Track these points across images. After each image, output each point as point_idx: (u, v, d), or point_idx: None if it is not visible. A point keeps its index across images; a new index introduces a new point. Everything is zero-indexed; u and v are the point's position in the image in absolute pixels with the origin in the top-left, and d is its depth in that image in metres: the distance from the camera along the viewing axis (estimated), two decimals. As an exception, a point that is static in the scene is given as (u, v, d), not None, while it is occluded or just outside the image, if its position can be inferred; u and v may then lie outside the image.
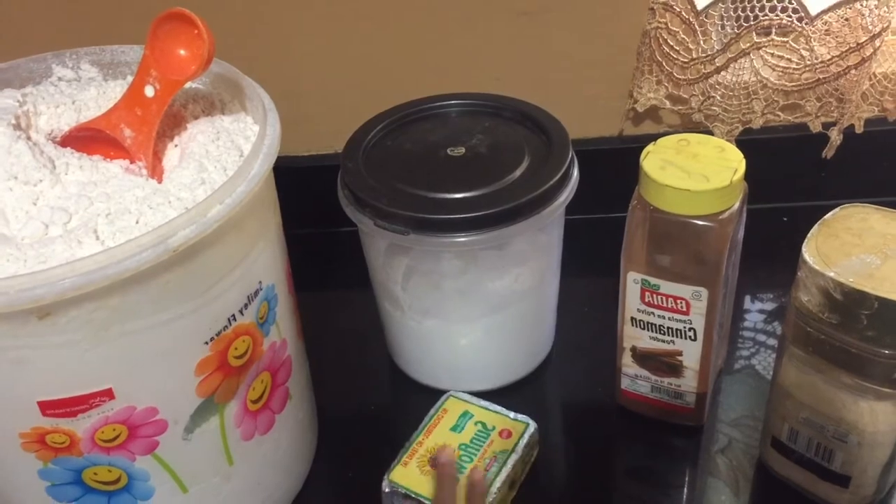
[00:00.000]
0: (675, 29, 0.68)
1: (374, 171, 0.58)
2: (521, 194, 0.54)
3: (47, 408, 0.41)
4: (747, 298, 0.71)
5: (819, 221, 0.48)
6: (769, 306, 0.70)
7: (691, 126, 0.74)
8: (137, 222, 0.41)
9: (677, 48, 0.69)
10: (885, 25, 0.65)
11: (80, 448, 0.43)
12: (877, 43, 0.66)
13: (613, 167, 0.64)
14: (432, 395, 0.60)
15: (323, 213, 0.64)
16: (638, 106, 0.73)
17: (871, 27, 0.65)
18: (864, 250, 0.46)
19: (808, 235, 0.47)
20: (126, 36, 0.55)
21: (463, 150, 0.59)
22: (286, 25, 0.71)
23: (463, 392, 0.60)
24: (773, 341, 0.66)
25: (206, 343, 0.44)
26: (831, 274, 0.45)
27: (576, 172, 0.58)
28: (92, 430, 0.42)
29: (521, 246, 0.58)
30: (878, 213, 0.48)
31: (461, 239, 0.53)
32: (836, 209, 0.49)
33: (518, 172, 0.56)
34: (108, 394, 0.41)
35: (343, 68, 0.73)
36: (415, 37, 0.72)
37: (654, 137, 0.54)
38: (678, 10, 0.67)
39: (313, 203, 0.69)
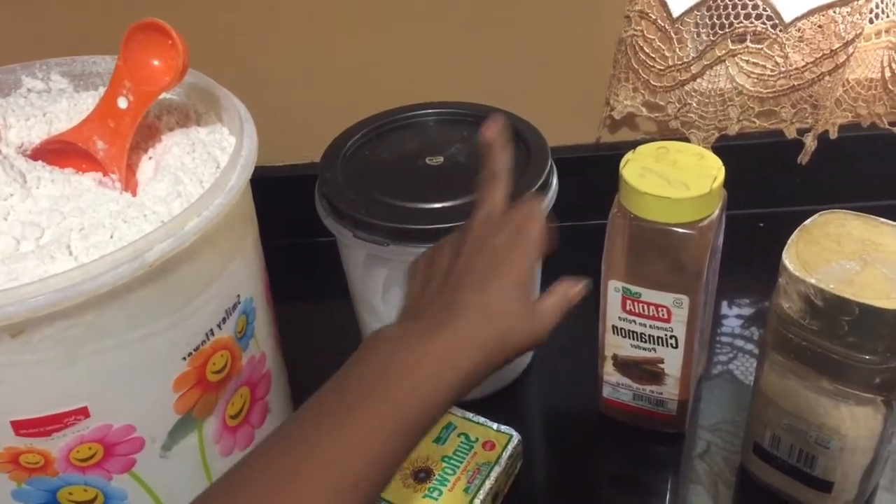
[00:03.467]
0: (650, 36, 0.68)
1: (352, 181, 0.57)
2: (501, 203, 0.54)
3: (20, 427, 0.40)
4: (724, 304, 0.71)
5: (799, 228, 0.49)
6: (747, 312, 0.71)
7: (668, 133, 0.74)
8: (112, 237, 0.41)
9: (653, 56, 0.69)
10: (857, 32, 0.66)
11: (54, 468, 0.42)
12: (850, 49, 0.67)
13: (591, 174, 0.64)
14: (413, 407, 0.60)
15: (302, 224, 0.63)
16: (615, 113, 0.73)
17: (844, 34, 0.66)
18: (844, 256, 0.46)
19: (789, 242, 0.48)
20: (97, 46, 0.54)
21: (441, 159, 0.59)
22: (264, 35, 0.70)
23: (444, 403, 0.59)
24: (751, 346, 0.67)
25: (184, 358, 0.43)
26: (812, 280, 0.45)
27: (555, 181, 0.58)
28: (67, 449, 0.41)
29: (500, 255, 0.58)
30: (857, 219, 0.49)
31: (441, 249, 0.53)
32: (815, 216, 0.49)
33: (497, 181, 0.56)
34: (84, 412, 0.41)
35: (321, 78, 0.73)
36: (393, 46, 0.71)
37: (631, 145, 0.54)
38: (654, 17, 0.67)
39: (292, 213, 0.68)
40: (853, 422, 0.47)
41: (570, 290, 0.44)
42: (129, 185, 0.46)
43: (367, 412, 0.36)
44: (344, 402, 0.36)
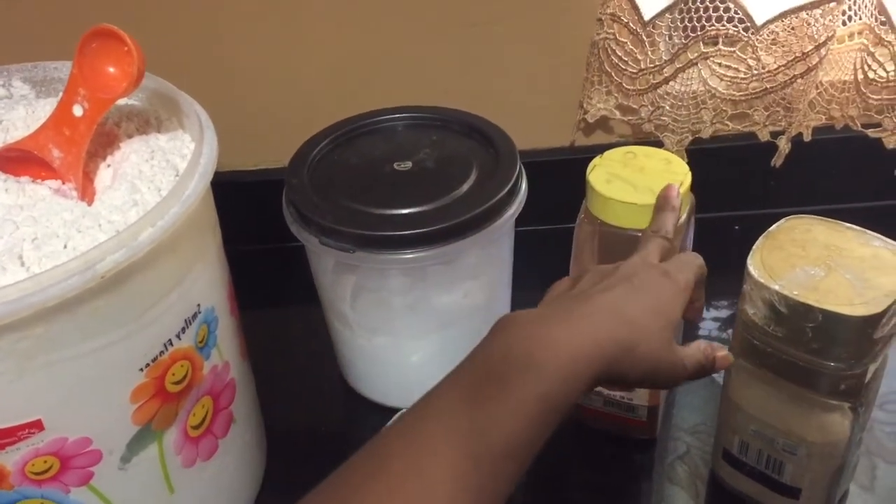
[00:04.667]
0: (623, 40, 0.68)
1: (319, 187, 0.56)
2: (469, 209, 0.53)
3: (-28, 441, 0.39)
4: (701, 307, 0.71)
5: (764, 234, 0.48)
6: (723, 314, 0.70)
7: (642, 136, 0.74)
8: (65, 247, 0.40)
9: (625, 59, 0.69)
10: (830, 34, 0.66)
11: (9, 481, 0.41)
12: (822, 52, 0.66)
13: (565, 178, 0.63)
14: (385, 413, 0.59)
15: (271, 229, 0.63)
16: (588, 116, 0.73)
17: (816, 36, 0.66)
18: (809, 262, 0.46)
19: (753, 248, 0.47)
20: (60, 51, 0.53)
21: (410, 164, 0.58)
22: (231, 39, 0.70)
23: (414, 410, 0.59)
24: (727, 349, 0.66)
25: (141, 370, 0.42)
26: (776, 287, 0.44)
27: (524, 185, 0.58)
28: (22, 462, 0.41)
29: (470, 260, 0.57)
30: (822, 224, 0.48)
31: (408, 255, 0.53)
32: (781, 221, 0.49)
33: (466, 186, 0.56)
34: (37, 425, 0.40)
35: (289, 82, 0.72)
36: (361, 49, 0.71)
37: (604, 148, 0.54)
38: (626, 20, 0.67)
39: (261, 218, 0.67)
40: (820, 428, 0.47)
41: (716, 350, 0.44)
42: (87, 193, 0.46)
43: (516, 385, 0.36)
44: (489, 378, 0.36)
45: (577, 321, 0.39)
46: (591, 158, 0.52)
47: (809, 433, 0.48)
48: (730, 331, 0.68)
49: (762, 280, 0.45)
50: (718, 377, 0.64)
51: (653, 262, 0.44)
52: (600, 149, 0.54)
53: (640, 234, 0.49)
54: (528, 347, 0.37)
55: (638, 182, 0.50)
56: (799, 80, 0.68)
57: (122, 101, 0.50)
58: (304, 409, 0.64)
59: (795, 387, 0.47)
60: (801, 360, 0.45)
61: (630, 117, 0.73)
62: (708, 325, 0.69)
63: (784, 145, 0.72)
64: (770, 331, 0.46)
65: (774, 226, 0.49)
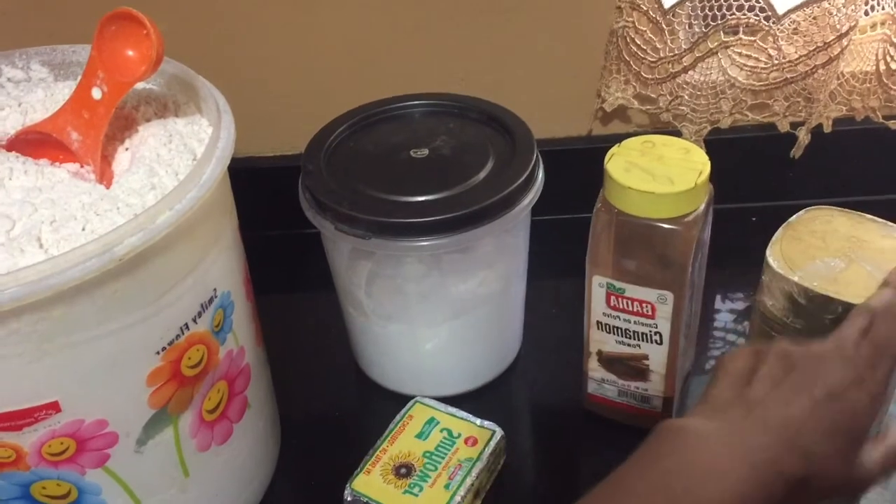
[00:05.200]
0: (642, 28, 0.68)
1: (335, 173, 0.56)
2: (485, 197, 0.53)
3: (-9, 421, 0.40)
4: (717, 298, 0.70)
5: (783, 224, 0.48)
6: (740, 306, 0.70)
7: (660, 126, 0.74)
8: (84, 229, 0.40)
9: (645, 47, 0.68)
10: (852, 24, 0.65)
11: (26, 462, 0.41)
12: (844, 42, 0.66)
13: (582, 167, 0.63)
14: (398, 401, 0.59)
15: (287, 215, 0.63)
16: (606, 105, 0.72)
17: (838, 26, 0.65)
18: (829, 254, 0.45)
19: (773, 239, 0.47)
20: (79, 35, 0.53)
21: (426, 151, 0.58)
22: (248, 25, 0.70)
23: (429, 398, 0.59)
24: (743, 341, 0.66)
25: (158, 353, 0.43)
26: (795, 278, 0.44)
27: (541, 174, 0.57)
28: (38, 443, 0.41)
29: (486, 249, 0.57)
30: (843, 215, 0.48)
31: (424, 243, 0.52)
32: (801, 212, 0.49)
33: (482, 174, 0.56)
34: (55, 407, 0.40)
35: (306, 68, 0.72)
36: (379, 36, 0.70)
37: (622, 137, 0.53)
38: (645, 8, 0.66)
39: (278, 205, 0.67)
40: (837, 421, 0.47)
41: None
42: (104, 176, 0.46)
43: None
44: (666, 493, 0.36)
45: (748, 452, 0.37)
46: (607, 148, 0.52)
47: (826, 426, 0.47)
48: (745, 323, 0.68)
49: (781, 271, 0.45)
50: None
51: (848, 355, 0.39)
52: (617, 138, 0.53)
53: (656, 224, 0.49)
54: (696, 472, 0.36)
55: (656, 171, 0.49)
56: (820, 71, 0.67)
57: (139, 85, 0.50)
58: (318, 396, 0.65)
59: (813, 379, 0.46)
60: (820, 353, 0.45)
61: (648, 107, 0.72)
62: (723, 318, 0.69)
63: (804, 136, 0.72)
64: (788, 322, 0.45)
65: (794, 217, 0.48)
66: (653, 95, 0.71)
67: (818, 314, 0.44)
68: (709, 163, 0.50)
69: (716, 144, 0.71)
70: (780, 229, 0.47)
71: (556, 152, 0.61)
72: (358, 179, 0.56)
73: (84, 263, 0.36)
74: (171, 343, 0.43)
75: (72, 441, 0.42)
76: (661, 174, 0.49)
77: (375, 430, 0.57)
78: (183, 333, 0.43)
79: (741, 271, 0.70)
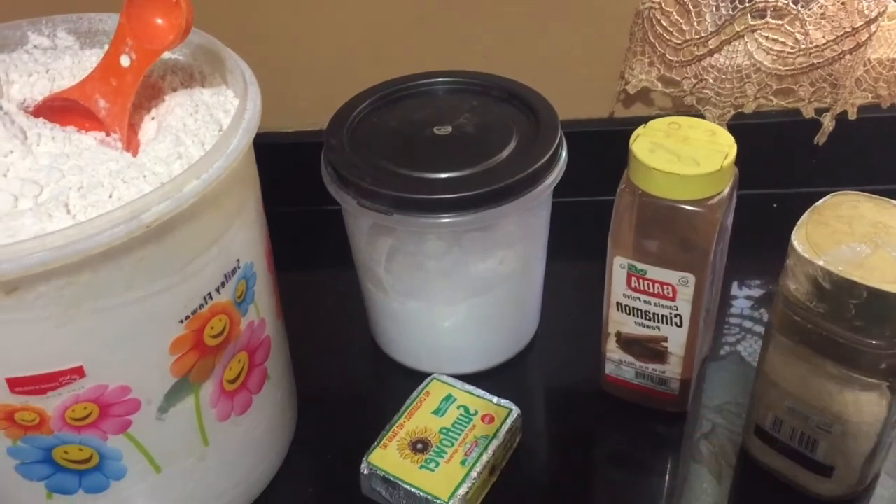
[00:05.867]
0: (668, 9, 0.67)
1: (358, 148, 0.56)
2: (508, 175, 0.53)
3: (16, 385, 0.40)
4: (734, 285, 0.70)
5: (810, 209, 0.48)
6: (756, 293, 0.70)
7: (683, 109, 0.73)
8: (111, 196, 0.40)
9: (670, 29, 0.68)
10: (881, 10, 0.64)
11: (49, 426, 0.42)
12: (872, 28, 0.65)
13: (602, 150, 0.63)
14: (414, 378, 0.60)
15: (306, 192, 0.63)
16: (629, 88, 0.72)
17: (867, 11, 0.64)
18: (855, 239, 0.45)
19: (798, 222, 0.47)
20: (103, 3, 0.53)
21: (450, 128, 0.58)
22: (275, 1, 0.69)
23: (446, 375, 0.59)
24: (759, 328, 0.66)
25: (181, 322, 0.43)
26: (820, 262, 0.44)
27: (564, 154, 0.57)
28: (62, 408, 0.41)
29: (507, 228, 0.57)
30: (870, 201, 0.48)
31: (445, 220, 0.52)
32: (828, 196, 0.48)
33: (505, 153, 0.55)
34: (79, 372, 0.40)
35: (329, 44, 0.72)
36: (402, 13, 0.70)
37: (644, 120, 0.53)
38: (672, -10, 0.66)
39: (296, 181, 0.67)
40: (857, 407, 0.47)
41: None
42: (131, 144, 0.46)
43: None
44: None
45: None
46: (629, 131, 0.51)
47: (846, 411, 0.47)
48: (762, 310, 0.68)
49: (806, 255, 0.44)
50: (748, 356, 0.64)
51: None
52: (639, 121, 0.53)
53: (680, 206, 0.49)
54: None
55: (682, 152, 0.49)
56: (847, 57, 0.67)
57: (165, 55, 0.50)
58: (335, 372, 0.65)
59: (834, 364, 0.46)
60: (842, 338, 0.45)
61: (672, 89, 0.72)
62: (741, 304, 0.69)
63: (828, 123, 0.71)
64: (812, 307, 0.45)
65: (821, 201, 0.48)
66: (677, 78, 0.71)
67: (842, 299, 0.44)
68: (735, 145, 0.50)
69: (737, 129, 0.70)
70: (806, 213, 0.47)
71: (576, 134, 0.60)
72: (380, 155, 0.56)
73: (111, 230, 0.37)
74: (194, 312, 0.43)
75: (95, 406, 0.42)
76: (686, 155, 0.49)
77: (391, 406, 0.57)
78: (206, 303, 0.44)
79: (760, 258, 0.69)
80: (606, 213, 0.52)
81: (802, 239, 0.45)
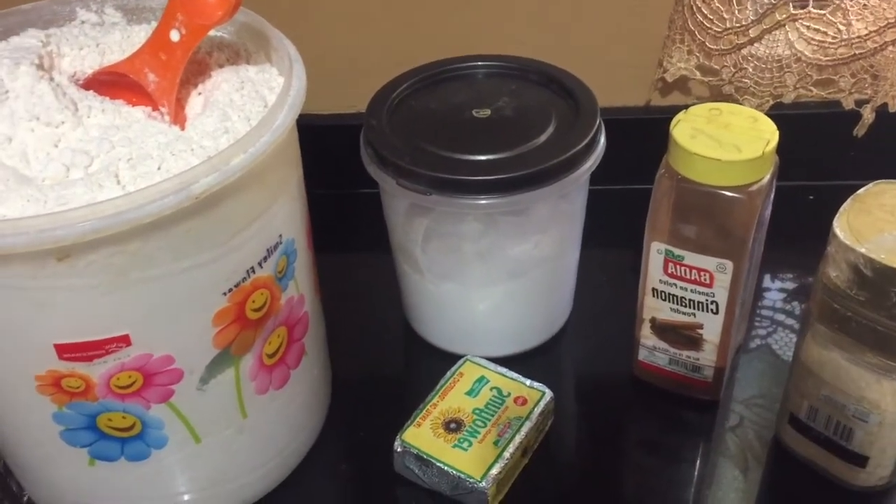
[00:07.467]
0: (709, -3, 0.67)
1: (397, 129, 0.57)
2: (546, 159, 0.53)
3: (64, 351, 0.41)
4: (767, 277, 0.70)
5: (851, 196, 0.47)
6: (789, 286, 0.69)
7: (721, 98, 0.73)
8: (159, 168, 0.41)
9: (711, 17, 0.67)
10: (926, 1, 0.64)
11: (94, 393, 0.43)
12: (916, 19, 0.64)
13: (638, 138, 0.63)
14: (447, 359, 0.60)
15: (343, 174, 0.64)
16: (667, 76, 0.72)
17: (911, 3, 0.64)
18: (897, 227, 0.45)
19: (840, 210, 0.46)
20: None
21: (488, 112, 0.58)
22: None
23: (480, 357, 0.59)
24: (791, 321, 0.66)
25: (225, 294, 0.43)
26: (862, 249, 0.44)
27: (603, 139, 0.57)
28: (107, 375, 0.42)
29: (542, 212, 0.57)
30: (913, 190, 0.47)
31: (482, 201, 0.53)
32: (870, 184, 0.48)
33: (543, 137, 0.56)
34: (125, 340, 0.41)
35: (368, 27, 0.72)
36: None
37: (681, 109, 0.53)
38: (714, -23, 0.66)
39: (334, 163, 0.68)
40: (894, 396, 0.46)
41: None
42: (178, 118, 0.46)
43: None
44: None
45: None
46: (666, 120, 0.51)
47: (883, 401, 0.47)
48: (794, 303, 0.67)
49: (848, 242, 0.44)
50: (779, 349, 0.63)
51: None
52: (676, 110, 0.53)
53: (720, 192, 0.49)
54: None
55: (723, 138, 0.49)
56: (889, 48, 0.66)
57: (212, 33, 0.50)
58: (369, 352, 0.65)
59: (873, 353, 0.46)
60: (882, 326, 0.45)
61: (710, 78, 0.71)
62: (773, 296, 0.69)
63: (868, 115, 0.70)
64: (852, 294, 0.45)
65: (863, 189, 0.48)
66: (716, 67, 0.70)
67: (883, 286, 0.43)
68: (777, 132, 0.50)
69: (777, 119, 0.69)
70: (848, 201, 0.47)
71: (612, 121, 0.60)
72: (419, 136, 0.56)
73: (161, 200, 0.37)
74: (237, 285, 0.44)
75: (139, 375, 0.43)
76: (727, 142, 0.49)
77: (424, 386, 0.58)
78: (249, 276, 0.44)
79: (794, 250, 0.69)
80: (640, 201, 0.52)
81: (844, 226, 0.45)
